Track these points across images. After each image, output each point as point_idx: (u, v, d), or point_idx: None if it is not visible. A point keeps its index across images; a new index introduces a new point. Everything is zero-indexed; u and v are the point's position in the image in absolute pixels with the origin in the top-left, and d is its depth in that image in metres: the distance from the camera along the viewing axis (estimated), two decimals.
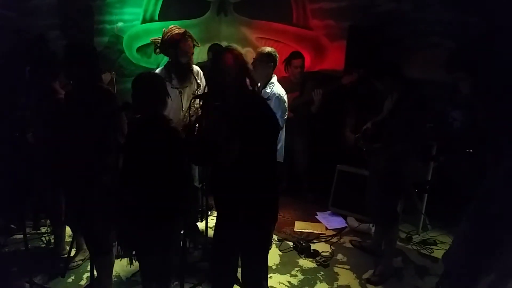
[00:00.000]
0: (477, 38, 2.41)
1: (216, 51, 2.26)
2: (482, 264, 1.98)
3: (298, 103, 4.37)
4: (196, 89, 3.41)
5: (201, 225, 3.90)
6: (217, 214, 2.42)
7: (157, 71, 3.41)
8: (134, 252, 2.55)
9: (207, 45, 4.92)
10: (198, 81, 3.41)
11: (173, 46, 3.21)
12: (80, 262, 3.38)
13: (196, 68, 3.48)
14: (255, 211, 2.17)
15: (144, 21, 5.56)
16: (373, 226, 3.90)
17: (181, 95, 3.33)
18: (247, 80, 2.15)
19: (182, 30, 3.23)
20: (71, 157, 2.72)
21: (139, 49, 5.62)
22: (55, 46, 4.67)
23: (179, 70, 3.31)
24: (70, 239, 3.66)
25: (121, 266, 3.21)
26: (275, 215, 2.34)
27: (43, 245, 3.67)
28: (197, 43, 3.37)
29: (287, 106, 3.53)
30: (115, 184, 2.63)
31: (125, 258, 2.58)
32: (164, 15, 5.50)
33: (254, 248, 2.32)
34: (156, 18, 5.56)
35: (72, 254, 3.38)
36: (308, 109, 4.33)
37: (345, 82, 4.04)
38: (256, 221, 2.21)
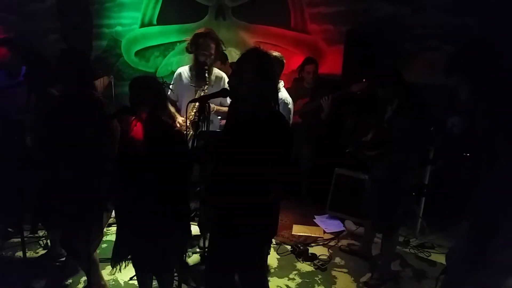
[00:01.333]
0: (476, 42, 2.42)
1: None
2: (479, 263, 2.00)
3: (306, 109, 4.38)
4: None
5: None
6: (214, 228, 2.33)
7: (181, 68, 3.49)
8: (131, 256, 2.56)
9: None
10: (221, 86, 3.36)
11: (193, 43, 3.31)
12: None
13: (220, 73, 3.48)
14: (254, 223, 2.14)
15: (143, 25, 5.59)
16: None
17: (195, 95, 3.29)
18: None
19: (207, 30, 3.32)
20: (61, 161, 2.73)
21: (137, 53, 5.64)
22: (54, 49, 4.70)
23: (196, 69, 3.36)
24: None
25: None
26: (273, 228, 2.31)
27: (41, 249, 3.65)
28: (224, 45, 3.41)
29: (292, 112, 3.52)
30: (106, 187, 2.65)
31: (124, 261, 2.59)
32: (163, 19, 5.52)
33: (250, 262, 2.27)
34: (155, 22, 5.58)
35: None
36: (317, 116, 4.33)
37: (354, 90, 3.97)
38: (255, 233, 2.17)
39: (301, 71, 4.42)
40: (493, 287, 2.07)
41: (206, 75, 3.28)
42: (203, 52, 3.28)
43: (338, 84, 4.34)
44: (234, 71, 2.17)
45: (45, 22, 5.10)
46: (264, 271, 2.35)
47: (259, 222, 2.16)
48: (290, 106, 3.36)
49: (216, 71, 3.47)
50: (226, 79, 3.47)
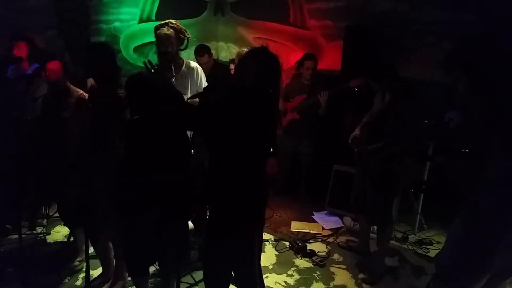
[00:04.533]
0: (474, 38, 2.41)
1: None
2: (472, 266, 1.99)
3: (304, 105, 4.38)
4: (188, 83, 3.34)
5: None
6: (210, 224, 2.32)
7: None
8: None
9: None
10: (195, 77, 3.36)
11: (154, 36, 3.25)
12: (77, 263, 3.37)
13: (194, 63, 3.43)
14: (244, 214, 2.17)
15: (141, 21, 5.58)
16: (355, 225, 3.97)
17: None
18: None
19: (166, 21, 3.24)
20: (83, 153, 2.81)
21: (135, 49, 5.63)
22: (52, 45, 4.69)
23: (160, 60, 3.26)
24: (66, 239, 3.67)
25: None
26: (261, 218, 2.33)
27: (39, 245, 3.65)
28: (187, 33, 3.29)
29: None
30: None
31: None
32: (161, 15, 5.50)
33: (242, 253, 2.27)
34: (153, 18, 5.57)
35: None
36: (315, 112, 4.33)
37: (352, 86, 3.96)
38: (243, 224, 2.20)
39: (300, 67, 4.39)
40: None
41: (172, 66, 3.21)
42: (163, 43, 3.20)
43: (337, 80, 4.33)
44: (242, 68, 2.17)
45: (42, 18, 5.07)
46: (254, 265, 2.34)
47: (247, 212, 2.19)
48: None
49: (188, 61, 3.40)
50: (200, 69, 3.43)
